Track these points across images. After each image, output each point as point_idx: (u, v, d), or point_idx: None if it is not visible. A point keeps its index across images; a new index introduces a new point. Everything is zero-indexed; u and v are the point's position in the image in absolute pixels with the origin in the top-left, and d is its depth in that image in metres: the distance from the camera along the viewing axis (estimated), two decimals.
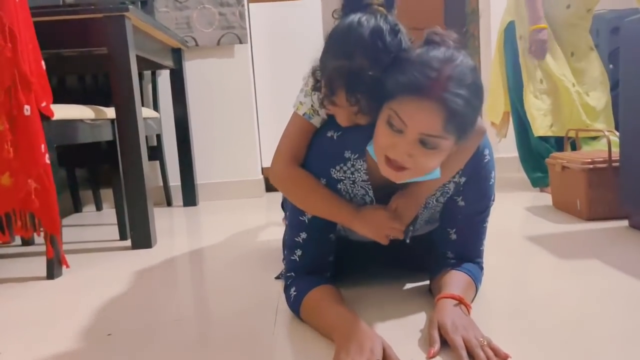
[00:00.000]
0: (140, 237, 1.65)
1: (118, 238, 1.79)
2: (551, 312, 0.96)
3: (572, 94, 2.03)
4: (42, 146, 1.30)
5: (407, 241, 1.00)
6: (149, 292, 1.23)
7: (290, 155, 1.00)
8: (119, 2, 1.54)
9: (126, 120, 1.62)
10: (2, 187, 1.32)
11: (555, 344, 0.83)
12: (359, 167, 0.98)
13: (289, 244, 1.06)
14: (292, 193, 1.02)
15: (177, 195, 2.51)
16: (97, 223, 2.19)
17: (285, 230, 1.09)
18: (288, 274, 1.06)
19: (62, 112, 1.46)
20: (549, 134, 2.06)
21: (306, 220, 1.02)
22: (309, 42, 2.11)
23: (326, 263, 1.07)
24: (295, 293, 1.00)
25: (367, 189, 1.01)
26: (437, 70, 0.80)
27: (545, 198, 1.99)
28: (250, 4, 2.55)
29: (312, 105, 0.99)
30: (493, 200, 1.05)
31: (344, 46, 0.87)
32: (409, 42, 0.89)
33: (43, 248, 1.43)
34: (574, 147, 2.01)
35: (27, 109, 1.27)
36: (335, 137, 0.97)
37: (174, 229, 2.00)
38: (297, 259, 1.04)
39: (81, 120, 1.57)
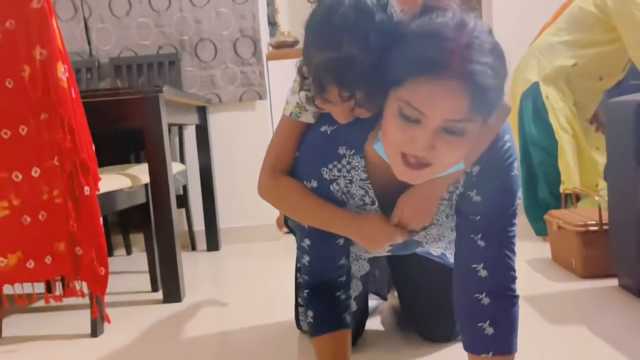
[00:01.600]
0: (171, 292, 1.82)
1: (150, 289, 1.97)
2: None
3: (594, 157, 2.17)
4: (100, 219, 1.50)
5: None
6: (187, 349, 1.39)
7: (273, 165, 0.94)
8: (154, 86, 1.73)
9: (159, 185, 1.81)
10: (59, 253, 1.51)
11: None
12: (356, 164, 0.88)
13: (298, 248, 1.03)
14: (279, 205, 0.96)
15: (200, 239, 2.69)
16: (128, 270, 2.37)
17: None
18: (301, 282, 1.03)
19: (106, 185, 1.64)
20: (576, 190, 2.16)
21: (306, 226, 0.96)
22: None
23: (335, 268, 1.00)
24: (312, 321, 0.99)
25: (367, 189, 0.90)
26: (452, 40, 0.67)
27: (546, 250, 2.11)
28: (270, 62, 2.74)
29: (297, 102, 0.89)
30: (520, 199, 0.90)
31: (326, 34, 0.75)
32: (400, 14, 0.76)
33: (77, 300, 1.61)
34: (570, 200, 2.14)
35: (87, 190, 1.47)
36: (329, 132, 0.88)
37: (200, 278, 2.17)
38: (307, 264, 1.01)
39: (120, 190, 1.76)
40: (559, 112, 2.19)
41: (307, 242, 0.98)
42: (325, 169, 0.89)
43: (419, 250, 1.15)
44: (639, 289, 1.54)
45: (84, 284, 1.54)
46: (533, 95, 2.27)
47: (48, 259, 1.53)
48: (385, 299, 1.55)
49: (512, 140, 0.86)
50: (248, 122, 2.68)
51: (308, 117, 0.91)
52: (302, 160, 0.91)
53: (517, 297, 0.93)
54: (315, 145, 0.89)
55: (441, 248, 1.22)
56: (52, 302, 1.79)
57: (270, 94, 2.73)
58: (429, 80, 0.67)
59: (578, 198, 2.18)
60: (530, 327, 1.40)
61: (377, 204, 0.93)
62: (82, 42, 2.60)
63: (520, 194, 0.89)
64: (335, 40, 0.73)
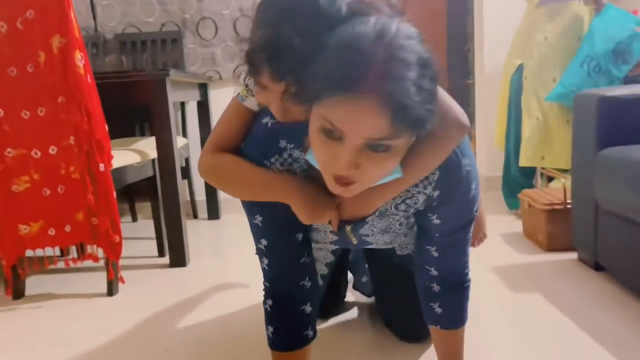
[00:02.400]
0: (177, 258, 2.01)
1: (157, 255, 2.16)
2: (484, 342, 1.29)
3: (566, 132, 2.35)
4: (114, 193, 1.68)
5: (353, 243, 1.01)
6: (195, 310, 1.59)
7: (215, 143, 0.91)
8: (161, 69, 1.88)
9: (166, 160, 1.97)
10: (77, 222, 1.69)
11: None
12: (297, 156, 0.87)
13: (256, 252, 1.00)
14: (219, 181, 0.90)
15: (202, 208, 2.87)
16: (135, 236, 2.55)
17: None
18: (265, 284, 1.01)
19: (118, 161, 1.81)
20: (538, 164, 2.36)
21: (259, 224, 0.93)
22: None
23: (298, 268, 0.98)
24: (271, 336, 0.98)
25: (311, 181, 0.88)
26: (370, 53, 0.62)
27: (518, 224, 2.30)
28: None
29: (247, 86, 0.87)
30: (476, 212, 0.94)
31: (268, 13, 0.72)
32: (357, 9, 0.71)
33: (93, 264, 1.80)
34: (547, 179, 2.33)
35: (102, 167, 1.64)
36: (269, 124, 0.86)
37: (202, 245, 2.37)
38: (267, 268, 0.98)
39: (131, 165, 1.92)
40: (532, 93, 2.35)
41: (264, 242, 0.95)
42: (268, 162, 0.87)
43: (397, 254, 1.21)
44: (595, 262, 1.73)
45: (100, 250, 1.73)
46: (518, 75, 2.43)
47: (67, 228, 1.71)
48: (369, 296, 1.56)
49: (472, 162, 0.88)
50: None
51: (252, 104, 0.88)
52: (245, 152, 0.89)
53: (466, 286, 1.02)
54: (258, 137, 0.88)
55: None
56: (72, 265, 1.99)
57: None
58: (347, 97, 0.62)
59: (550, 179, 2.36)
60: (494, 293, 1.60)
61: None
62: (87, 17, 2.71)
63: (477, 205, 0.94)
64: (275, 20, 0.70)
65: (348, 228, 0.94)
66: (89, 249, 1.77)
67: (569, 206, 1.89)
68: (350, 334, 1.37)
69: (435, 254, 0.97)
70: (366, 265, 1.42)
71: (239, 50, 2.74)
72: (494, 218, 2.47)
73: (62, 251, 2.12)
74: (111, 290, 1.75)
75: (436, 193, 0.87)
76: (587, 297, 1.53)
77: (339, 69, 0.63)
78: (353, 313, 1.50)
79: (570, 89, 2.21)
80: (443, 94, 0.81)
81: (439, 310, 1.02)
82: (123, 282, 1.78)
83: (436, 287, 1.01)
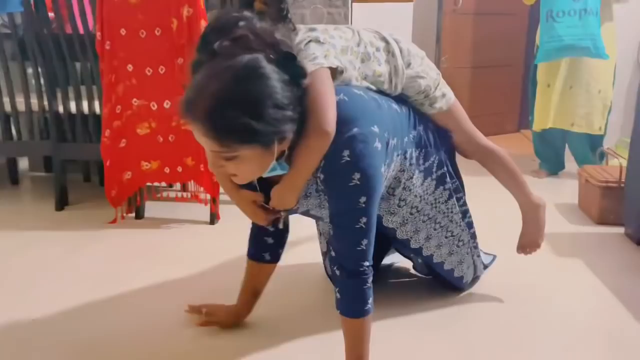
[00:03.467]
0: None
1: None
2: (522, 299, 1.53)
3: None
4: None
5: (281, 226, 1.24)
6: None
7: None
8: None
9: None
10: (187, 165, 2.05)
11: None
12: None
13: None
14: None
15: None
16: None
17: None
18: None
19: None
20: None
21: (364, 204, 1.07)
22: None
23: (264, 243, 1.30)
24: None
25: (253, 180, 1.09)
26: (192, 87, 0.90)
27: (574, 196, 2.43)
28: (354, 4, 3.05)
29: None
30: (362, 204, 1.03)
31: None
32: (222, 50, 0.92)
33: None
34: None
35: None
36: None
37: None
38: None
39: None
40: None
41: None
42: None
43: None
44: (639, 238, 1.90)
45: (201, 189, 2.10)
46: None
47: (179, 169, 2.07)
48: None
49: (358, 154, 1.00)
50: None
51: None
52: None
53: (362, 279, 1.06)
54: None
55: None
56: (179, 196, 2.37)
57: None
58: (187, 121, 0.91)
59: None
60: (540, 257, 1.81)
61: (258, 190, 1.14)
62: None
63: (364, 199, 1.02)
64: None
65: (282, 214, 1.16)
66: (191, 186, 2.14)
67: (622, 185, 2.03)
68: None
69: (331, 231, 1.08)
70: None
71: (327, 13, 2.95)
72: (555, 189, 2.63)
73: (170, 186, 2.50)
74: (213, 220, 2.11)
75: (321, 176, 1.05)
76: (625, 268, 1.72)
77: (183, 99, 0.91)
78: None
79: (548, 43, 2.50)
80: (317, 102, 0.99)
81: (338, 295, 1.09)
82: (219, 218, 2.13)
83: (337, 271, 1.09)
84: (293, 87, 0.94)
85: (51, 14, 2.09)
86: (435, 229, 1.35)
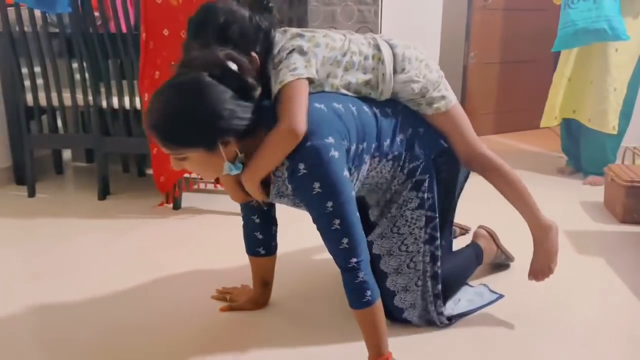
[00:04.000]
0: None
1: None
2: (539, 294, 1.58)
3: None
4: None
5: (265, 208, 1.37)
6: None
7: None
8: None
9: None
10: None
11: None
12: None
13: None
14: None
15: None
16: None
17: None
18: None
19: None
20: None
21: (331, 208, 1.11)
22: (426, 33, 3.02)
23: (255, 238, 1.43)
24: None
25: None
26: (151, 101, 1.06)
27: (599, 195, 2.46)
28: (384, 1, 3.10)
29: None
30: (330, 208, 1.09)
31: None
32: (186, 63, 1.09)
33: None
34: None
35: None
36: None
37: None
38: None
39: None
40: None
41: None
42: None
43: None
44: None
45: None
46: None
47: None
48: None
49: (313, 165, 1.08)
50: None
51: None
52: None
53: (354, 270, 1.11)
54: None
55: None
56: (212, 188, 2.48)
57: (381, 31, 3.12)
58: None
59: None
60: (561, 253, 1.85)
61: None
62: None
63: (330, 203, 1.08)
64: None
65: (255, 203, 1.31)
66: None
67: None
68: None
69: (320, 233, 1.16)
70: None
71: (357, 10, 3.01)
72: (576, 186, 2.65)
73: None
74: None
75: (290, 187, 1.15)
76: None
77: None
78: None
79: (562, 29, 2.50)
80: (287, 107, 1.11)
81: (344, 288, 1.16)
82: None
83: (340, 270, 1.15)
84: (238, 99, 1.06)
85: (96, 14, 2.21)
86: (391, 231, 1.32)
